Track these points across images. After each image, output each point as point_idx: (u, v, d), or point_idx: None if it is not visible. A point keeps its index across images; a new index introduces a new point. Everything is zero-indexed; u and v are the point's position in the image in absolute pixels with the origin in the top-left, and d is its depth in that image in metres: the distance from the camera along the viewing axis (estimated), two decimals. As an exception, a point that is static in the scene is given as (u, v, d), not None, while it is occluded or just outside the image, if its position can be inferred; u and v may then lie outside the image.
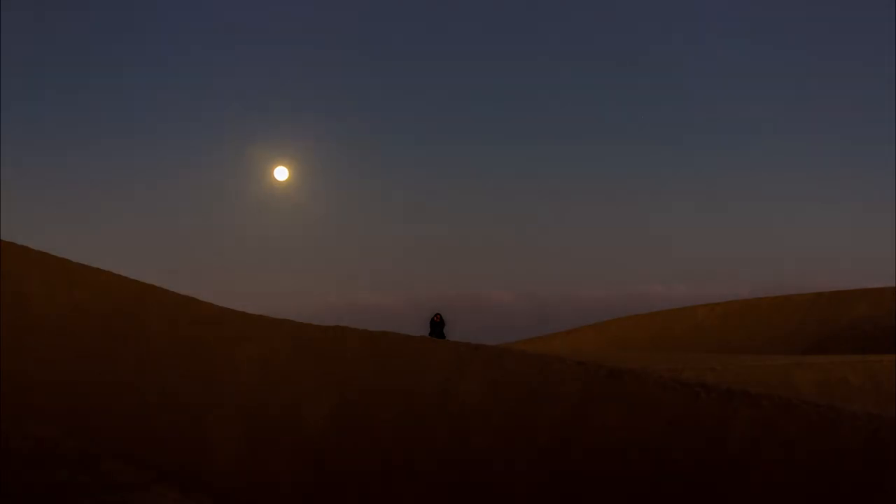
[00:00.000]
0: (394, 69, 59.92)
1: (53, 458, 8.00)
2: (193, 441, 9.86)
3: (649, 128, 59.07)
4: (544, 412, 10.24)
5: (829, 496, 7.47)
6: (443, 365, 11.75)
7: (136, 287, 14.28)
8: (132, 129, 56.08)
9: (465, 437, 9.95)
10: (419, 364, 11.84)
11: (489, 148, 61.99)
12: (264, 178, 46.24)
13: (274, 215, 51.37)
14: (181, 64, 55.92)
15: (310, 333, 13.60)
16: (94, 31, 52.45)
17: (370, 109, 60.56)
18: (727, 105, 58.51)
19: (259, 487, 9.09)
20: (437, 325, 19.71)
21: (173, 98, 56.65)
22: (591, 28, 58.83)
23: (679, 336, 32.81)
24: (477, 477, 9.03)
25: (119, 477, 7.78)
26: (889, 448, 7.89)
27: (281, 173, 43.70)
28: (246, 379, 11.73)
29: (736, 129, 59.42)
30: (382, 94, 60.27)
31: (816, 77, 58.08)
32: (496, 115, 61.53)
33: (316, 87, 58.32)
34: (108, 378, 11.31)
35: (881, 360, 15.53)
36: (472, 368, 11.58)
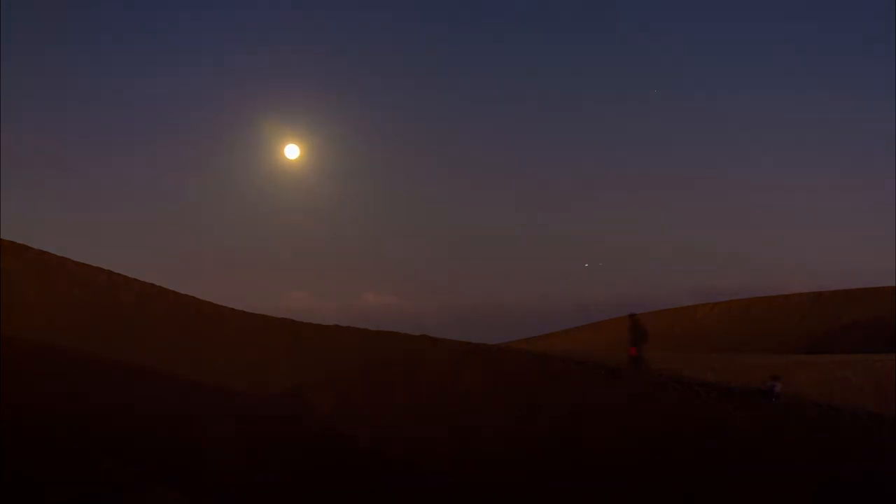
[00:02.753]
0: (415, 48, 58.08)
1: (53, 457, 7.98)
2: (193, 441, 9.85)
3: (648, 127, 58.94)
4: (544, 411, 10.23)
5: (829, 495, 7.47)
6: (443, 364, 11.74)
7: (136, 286, 14.28)
8: (132, 111, 54.35)
9: (464, 436, 9.93)
10: (419, 363, 11.83)
11: (501, 139, 60.74)
12: (274, 155, 43.34)
13: (281, 198, 48.70)
14: (186, 32, 53.75)
15: (308, 333, 13.59)
16: (96, 5, 50.90)
17: (390, 86, 57.94)
18: (729, 106, 58.45)
19: (259, 486, 9.07)
20: None
21: (177, 68, 54.41)
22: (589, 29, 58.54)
23: (679, 336, 32.76)
24: (477, 474, 9.02)
25: (119, 477, 7.76)
26: (889, 448, 7.88)
27: (292, 151, 41.13)
28: (245, 378, 11.72)
29: (737, 129, 59.36)
30: (404, 72, 58.14)
31: (817, 77, 58.07)
32: (510, 106, 60.02)
33: (333, 59, 55.66)
34: (107, 377, 11.30)
35: (881, 360, 15.51)
36: (472, 367, 11.57)
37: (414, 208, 56.35)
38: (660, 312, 36.01)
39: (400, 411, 10.53)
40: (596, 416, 9.67)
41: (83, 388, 10.83)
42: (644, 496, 8.15)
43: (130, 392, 11.00)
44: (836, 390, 13.28)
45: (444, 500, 8.66)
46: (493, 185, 57.91)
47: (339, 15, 52.03)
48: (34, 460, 7.66)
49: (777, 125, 56.87)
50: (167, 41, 50.50)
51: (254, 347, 12.65)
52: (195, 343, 12.60)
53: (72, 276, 13.80)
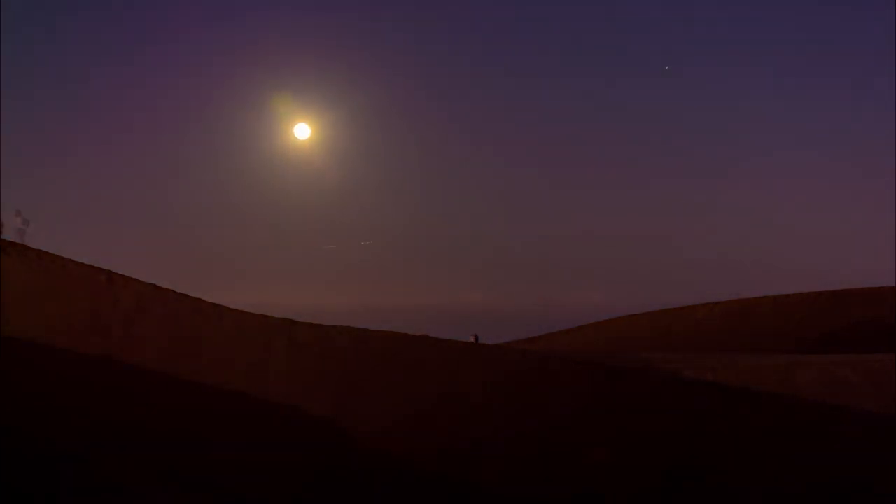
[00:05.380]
0: (429, 34, 57.49)
1: (53, 457, 7.99)
2: (193, 441, 9.86)
3: (649, 126, 59.01)
4: (544, 411, 10.23)
5: (829, 495, 7.47)
6: (443, 364, 11.74)
7: (136, 286, 14.27)
8: (132, 102, 53.56)
9: (464, 436, 9.93)
10: (419, 363, 11.82)
11: (508, 134, 60.31)
12: (283, 135, 40.89)
13: (289, 181, 46.58)
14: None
15: (308, 333, 13.58)
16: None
17: (404, 71, 56.73)
18: (730, 107, 58.56)
19: (258, 487, 9.08)
20: None
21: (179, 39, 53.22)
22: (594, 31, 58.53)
23: (679, 336, 32.70)
24: (476, 475, 9.02)
25: (119, 477, 7.78)
26: (889, 448, 7.89)
27: (302, 131, 38.89)
28: (244, 378, 11.72)
29: (738, 129, 59.48)
30: (417, 58, 57.30)
31: (818, 78, 58.16)
32: (516, 100, 59.65)
33: (345, 41, 54.16)
34: (107, 377, 11.30)
35: (881, 360, 15.48)
36: (472, 368, 11.57)
37: (414, 205, 56.23)
38: (660, 312, 35.92)
39: (399, 411, 10.54)
40: (596, 416, 9.67)
41: (83, 388, 10.84)
42: (645, 497, 8.15)
43: (130, 392, 11.01)
44: (836, 390, 13.27)
45: (444, 501, 8.67)
46: (494, 181, 57.97)
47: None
48: (34, 461, 7.67)
49: (777, 125, 56.96)
50: (169, 27, 49.85)
51: (253, 347, 12.65)
52: (195, 343, 12.60)
53: (72, 276, 13.80)
